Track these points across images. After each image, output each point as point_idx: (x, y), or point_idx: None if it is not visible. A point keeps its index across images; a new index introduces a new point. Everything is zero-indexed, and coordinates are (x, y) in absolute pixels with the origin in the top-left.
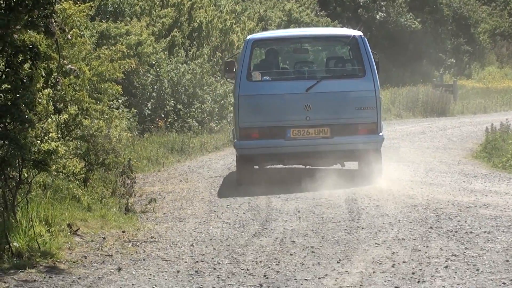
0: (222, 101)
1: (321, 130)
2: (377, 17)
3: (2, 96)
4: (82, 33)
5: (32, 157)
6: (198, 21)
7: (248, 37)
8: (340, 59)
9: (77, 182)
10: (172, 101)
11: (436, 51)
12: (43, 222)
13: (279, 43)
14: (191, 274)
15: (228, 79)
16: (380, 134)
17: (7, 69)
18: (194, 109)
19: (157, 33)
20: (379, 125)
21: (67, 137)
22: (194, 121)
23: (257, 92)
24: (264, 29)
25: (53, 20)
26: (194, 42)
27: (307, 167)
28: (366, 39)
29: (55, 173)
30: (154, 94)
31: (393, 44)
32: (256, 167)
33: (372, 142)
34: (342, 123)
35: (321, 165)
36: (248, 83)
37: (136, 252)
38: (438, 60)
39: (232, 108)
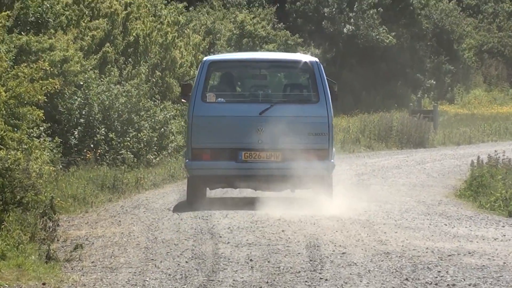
0: (162, 129)
1: (272, 154)
2: (345, 30)
3: None
4: None
5: None
6: (134, 34)
7: (205, 58)
8: (295, 85)
9: None
10: (103, 129)
11: (414, 71)
12: None
13: (235, 65)
14: None
15: (184, 103)
16: (332, 160)
17: None
18: (129, 139)
19: (86, 48)
20: (331, 152)
21: None
22: (128, 152)
23: (211, 113)
24: (212, 44)
25: None
26: (130, 59)
27: (257, 191)
28: (321, 66)
29: None
30: (82, 120)
31: (363, 62)
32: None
33: (322, 169)
34: (294, 148)
35: (272, 190)
36: (202, 104)
37: None
38: (415, 82)
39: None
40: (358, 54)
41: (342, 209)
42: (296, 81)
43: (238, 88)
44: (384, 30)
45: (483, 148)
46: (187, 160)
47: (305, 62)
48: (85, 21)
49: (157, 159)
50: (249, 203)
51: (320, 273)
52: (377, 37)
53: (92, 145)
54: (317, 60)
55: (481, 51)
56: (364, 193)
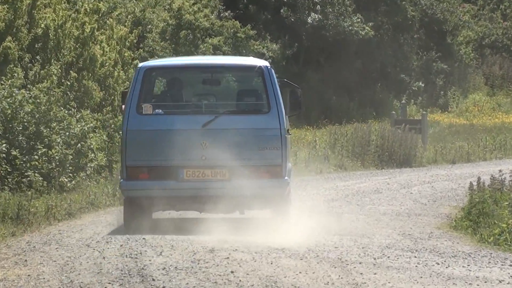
0: (79, 145)
1: (218, 171)
2: (309, 20)
3: None
4: None
5: None
6: (43, 25)
7: (140, 64)
8: (243, 93)
9: None
10: (3, 145)
11: (397, 71)
12: None
13: (175, 72)
14: None
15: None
16: (285, 178)
17: None
18: (37, 157)
19: None
20: (285, 168)
21: None
22: (37, 174)
23: (147, 127)
24: (141, 37)
25: None
26: (38, 57)
27: (202, 213)
28: (272, 71)
29: None
30: None
31: (332, 60)
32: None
33: (275, 187)
34: (242, 164)
35: (219, 212)
36: (137, 116)
37: None
38: (399, 84)
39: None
40: (326, 50)
41: (307, 244)
42: (245, 89)
43: (179, 98)
44: (359, 20)
45: (485, 168)
46: (121, 180)
47: (254, 67)
48: None
49: (73, 182)
50: (191, 231)
51: None
52: (350, 28)
53: None
54: (268, 65)
55: (482, 45)
56: (335, 224)
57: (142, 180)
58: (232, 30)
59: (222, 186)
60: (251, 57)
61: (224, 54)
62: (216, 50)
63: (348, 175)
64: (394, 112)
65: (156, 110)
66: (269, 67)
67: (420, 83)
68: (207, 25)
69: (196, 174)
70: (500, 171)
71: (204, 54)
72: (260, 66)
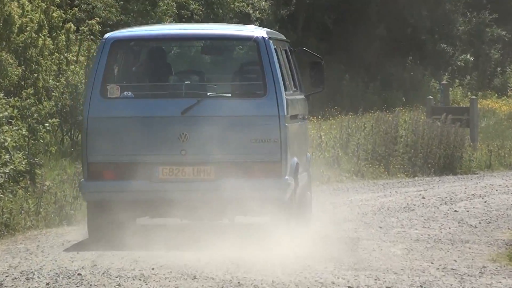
0: None
1: (201, 169)
2: None
3: None
4: None
5: None
6: None
7: (106, 35)
8: (234, 71)
9: None
10: None
11: (435, 39)
12: None
13: (149, 45)
14: None
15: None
16: (286, 178)
17: None
18: None
19: None
20: (285, 165)
21: None
22: None
23: (113, 113)
24: None
25: None
26: None
27: (183, 221)
28: (270, 43)
29: None
30: None
31: (344, 24)
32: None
33: (273, 190)
34: (231, 161)
35: (203, 219)
36: (101, 100)
37: None
38: (438, 57)
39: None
40: (336, 10)
41: (308, 283)
42: (236, 67)
43: (153, 78)
44: None
45: None
46: (82, 180)
47: (247, 38)
48: None
49: None
50: (163, 247)
51: None
52: None
53: None
54: (266, 35)
55: None
56: (349, 255)
57: (108, 180)
58: None
59: (206, 188)
60: (250, 26)
61: (192, 14)
62: (182, 9)
63: (367, 185)
64: (431, 96)
65: (125, 93)
66: (267, 38)
67: (468, 56)
68: None
69: (174, 173)
70: None
71: (165, 14)
72: (255, 37)
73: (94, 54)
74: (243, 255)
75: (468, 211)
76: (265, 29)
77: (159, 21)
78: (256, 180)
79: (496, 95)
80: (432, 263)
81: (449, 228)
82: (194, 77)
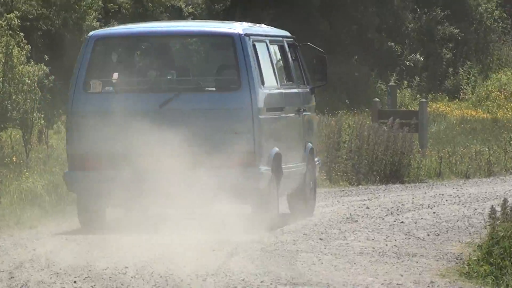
0: None
1: (180, 160)
2: None
3: None
4: None
5: None
6: None
7: (90, 33)
8: (210, 66)
9: None
10: None
11: (382, 37)
12: None
13: (131, 42)
14: None
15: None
16: (260, 167)
17: None
18: None
19: None
20: (259, 156)
21: None
22: None
23: (94, 107)
24: None
25: None
26: None
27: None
28: (246, 40)
29: None
30: None
31: (283, 19)
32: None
33: (246, 179)
34: (208, 151)
35: (182, 207)
36: (84, 94)
37: None
38: (386, 57)
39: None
40: (273, 4)
41: None
42: (214, 62)
43: (134, 73)
44: None
45: None
46: (65, 171)
47: (223, 35)
48: None
49: None
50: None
51: None
52: None
53: None
54: (241, 32)
55: None
56: (287, 269)
57: (89, 170)
58: None
59: (184, 177)
60: (234, 23)
61: (120, 8)
62: (109, 3)
63: None
64: (378, 99)
65: (106, 88)
66: (242, 35)
67: (418, 56)
68: None
69: (153, 163)
70: None
71: (90, 8)
72: (231, 34)
73: (13, 50)
74: (173, 268)
75: (415, 223)
76: (249, 25)
77: (83, 14)
78: (231, 169)
79: (448, 98)
80: (376, 278)
81: (395, 240)
82: (172, 72)
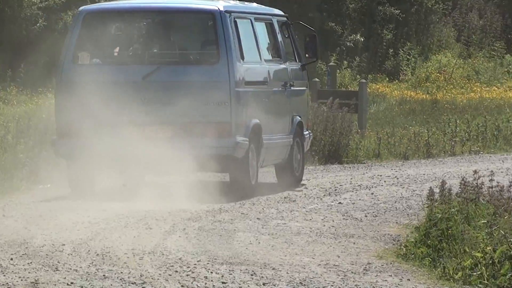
0: None
1: (161, 129)
2: None
3: None
4: None
5: None
6: None
7: (81, 8)
8: (193, 41)
9: None
10: None
11: (323, 16)
12: None
13: (120, 16)
14: None
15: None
16: (237, 137)
17: None
18: None
19: None
20: (235, 127)
21: None
22: None
23: (83, 78)
24: None
25: None
26: None
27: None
28: (226, 16)
29: None
30: None
31: None
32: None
33: (222, 148)
34: (188, 121)
35: (162, 174)
36: (73, 66)
37: None
38: (325, 37)
39: None
40: None
41: (179, 278)
42: (195, 37)
43: (120, 46)
44: None
45: (453, 167)
46: (53, 137)
47: (205, 11)
48: None
49: None
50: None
51: None
52: None
53: None
54: (222, 8)
55: None
56: (224, 248)
57: (77, 138)
58: None
59: (165, 146)
60: (215, 0)
61: None
62: None
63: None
64: (317, 79)
65: (94, 60)
66: (223, 11)
67: (358, 36)
68: None
69: (136, 132)
70: (475, 172)
71: None
72: (211, 10)
73: None
74: (110, 246)
75: (353, 203)
76: (231, 2)
77: None
78: (208, 139)
79: (388, 79)
80: (313, 258)
81: (333, 221)
82: (156, 46)
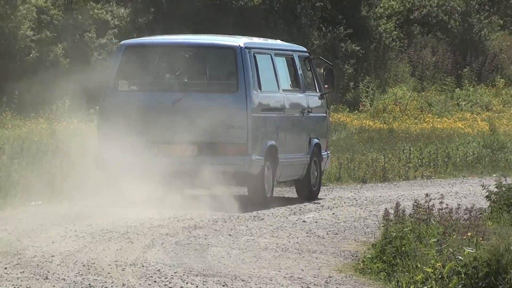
0: None
1: (187, 148)
2: None
3: None
4: None
5: None
6: None
7: (122, 42)
8: (217, 72)
9: None
10: None
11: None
12: None
13: (155, 50)
14: None
15: None
16: (253, 156)
17: None
18: None
19: None
20: (252, 147)
21: None
22: None
23: (121, 102)
24: None
25: None
26: None
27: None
28: (246, 52)
29: None
30: None
31: (205, 33)
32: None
33: (239, 165)
34: (210, 141)
35: (190, 188)
36: (114, 92)
37: None
38: None
39: None
40: (194, 20)
41: None
42: (219, 68)
43: (154, 75)
44: None
45: (407, 190)
46: (95, 153)
47: (228, 47)
48: None
49: None
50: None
51: None
52: None
53: None
54: (242, 45)
55: (409, 20)
56: (199, 261)
57: (115, 154)
58: None
59: (190, 162)
60: (239, 37)
61: (52, 19)
62: (42, 15)
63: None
64: None
65: (131, 87)
66: (243, 47)
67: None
68: None
69: (167, 150)
70: (426, 195)
71: (25, 18)
72: (233, 46)
73: None
74: (95, 258)
75: (316, 222)
76: (252, 39)
77: (19, 24)
78: (228, 157)
79: (348, 109)
80: (279, 271)
81: (297, 238)
82: (185, 76)
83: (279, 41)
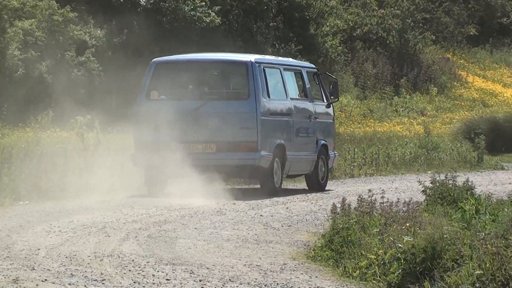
0: None
1: (207, 146)
2: (142, 2)
3: None
4: None
5: None
6: None
7: (153, 59)
8: (232, 83)
9: None
10: None
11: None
12: None
13: (179, 66)
14: None
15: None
16: (262, 152)
17: None
18: None
19: None
20: (261, 144)
21: None
22: None
23: (153, 109)
24: None
25: None
26: None
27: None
28: (256, 65)
29: None
30: None
31: (169, 52)
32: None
33: (251, 159)
34: (227, 140)
35: (210, 180)
36: (146, 101)
37: None
38: None
39: None
40: (162, 39)
41: (132, 276)
42: (234, 80)
43: (180, 86)
44: (204, 3)
45: (352, 186)
46: (132, 152)
47: (240, 62)
48: None
49: None
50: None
51: None
52: (192, 13)
53: None
54: (253, 60)
55: (352, 37)
56: (168, 252)
57: (149, 152)
58: (47, 12)
59: (210, 158)
60: (250, 54)
61: (37, 40)
62: (28, 36)
63: (187, 192)
64: None
65: (161, 96)
66: (253, 62)
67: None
68: (16, 4)
69: (191, 147)
70: (369, 190)
71: (12, 40)
72: (245, 61)
73: None
74: (76, 250)
75: (272, 216)
76: (263, 56)
77: (7, 45)
78: (242, 153)
79: None
80: (240, 260)
81: (256, 230)
82: (205, 86)
83: (290, 59)
